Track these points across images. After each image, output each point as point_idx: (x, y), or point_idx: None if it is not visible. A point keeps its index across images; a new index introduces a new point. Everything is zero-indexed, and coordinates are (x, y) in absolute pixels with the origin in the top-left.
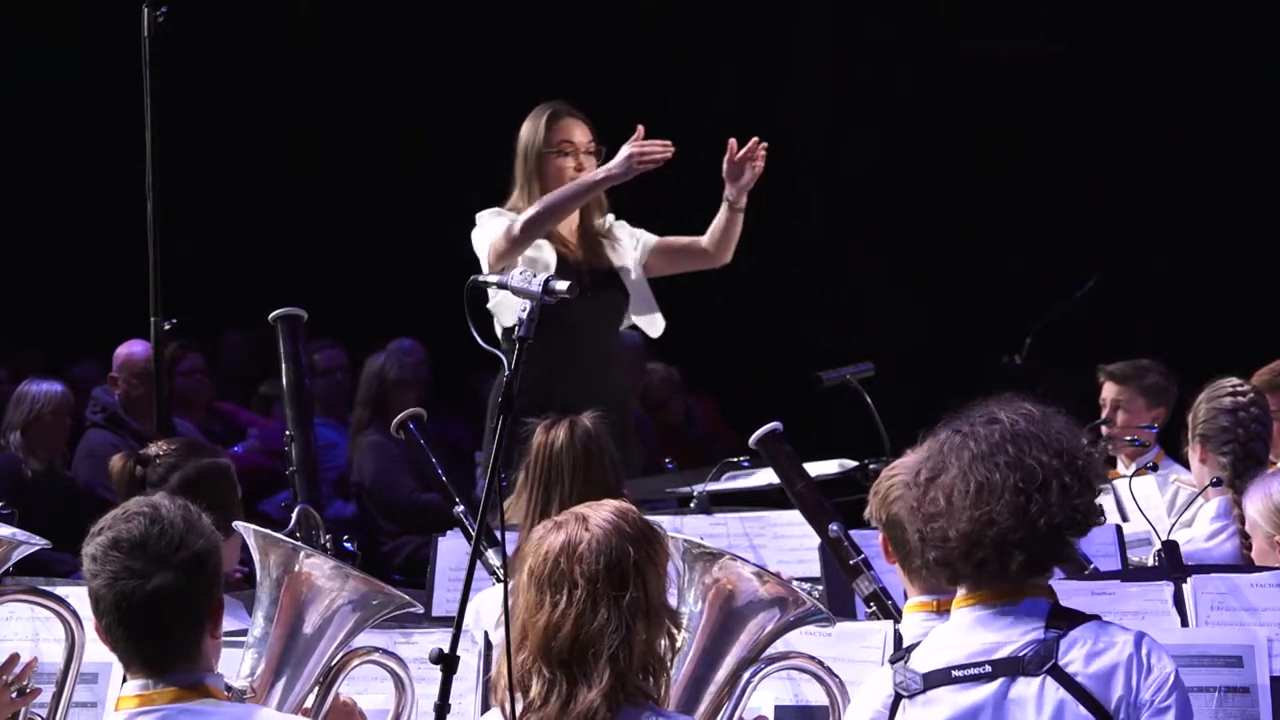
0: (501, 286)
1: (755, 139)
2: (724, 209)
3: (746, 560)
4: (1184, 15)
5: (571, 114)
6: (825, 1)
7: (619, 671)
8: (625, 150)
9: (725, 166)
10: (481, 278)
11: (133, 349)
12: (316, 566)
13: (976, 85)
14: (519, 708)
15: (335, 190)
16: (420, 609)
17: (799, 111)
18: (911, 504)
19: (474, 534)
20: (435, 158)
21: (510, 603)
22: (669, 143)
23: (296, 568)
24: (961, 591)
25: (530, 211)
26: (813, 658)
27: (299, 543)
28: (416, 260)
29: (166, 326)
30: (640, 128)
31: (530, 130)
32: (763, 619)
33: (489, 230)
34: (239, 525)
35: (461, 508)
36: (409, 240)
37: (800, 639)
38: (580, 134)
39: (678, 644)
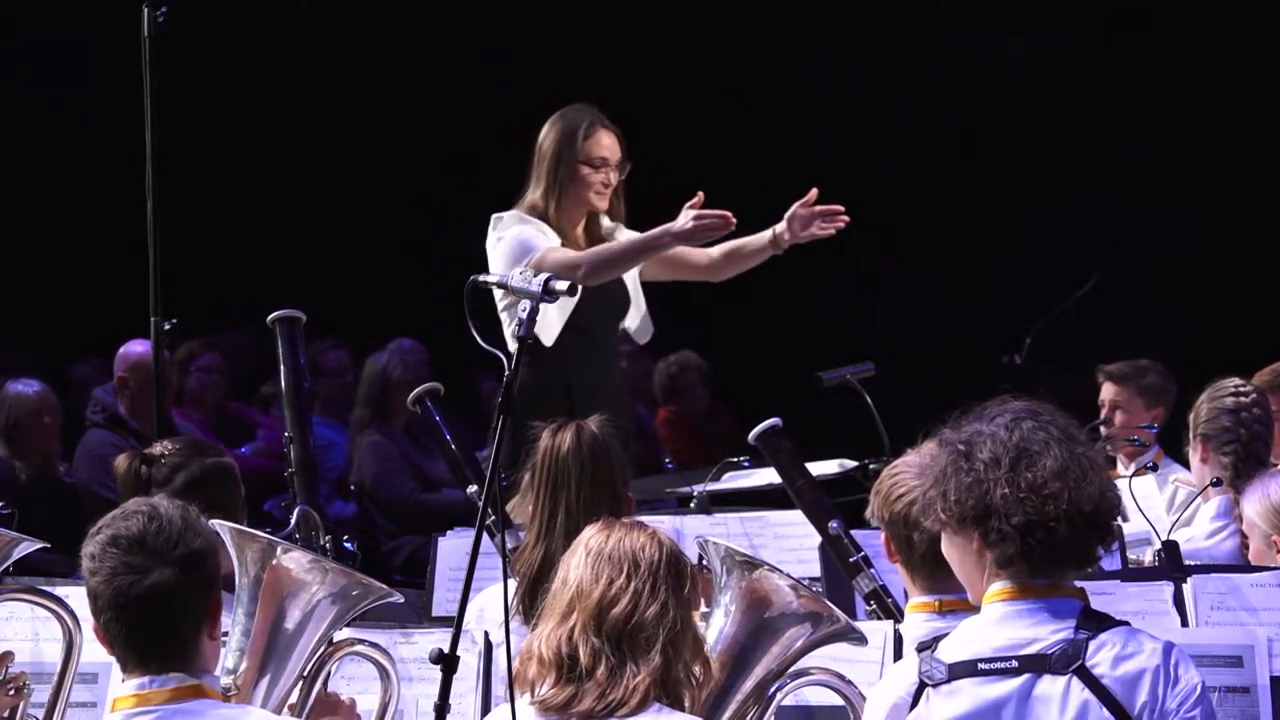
0: (502, 286)
1: (840, 208)
2: (763, 241)
3: (785, 573)
4: (1185, 14)
5: (606, 125)
6: (827, 1)
7: (668, 661)
8: (688, 214)
9: (794, 208)
10: (482, 278)
11: (145, 349)
12: (294, 560)
13: (978, 85)
14: (550, 680)
15: (336, 190)
16: (399, 599)
17: (801, 111)
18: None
19: (480, 523)
20: (436, 157)
21: (558, 579)
22: (730, 215)
23: (274, 562)
24: (995, 586)
25: (597, 260)
26: (833, 672)
27: (274, 537)
28: (417, 260)
29: (166, 326)
30: (700, 194)
31: (563, 136)
32: (795, 633)
33: (521, 239)
34: (215, 523)
35: (474, 488)
36: (410, 240)
37: None
38: (614, 148)
39: (709, 683)
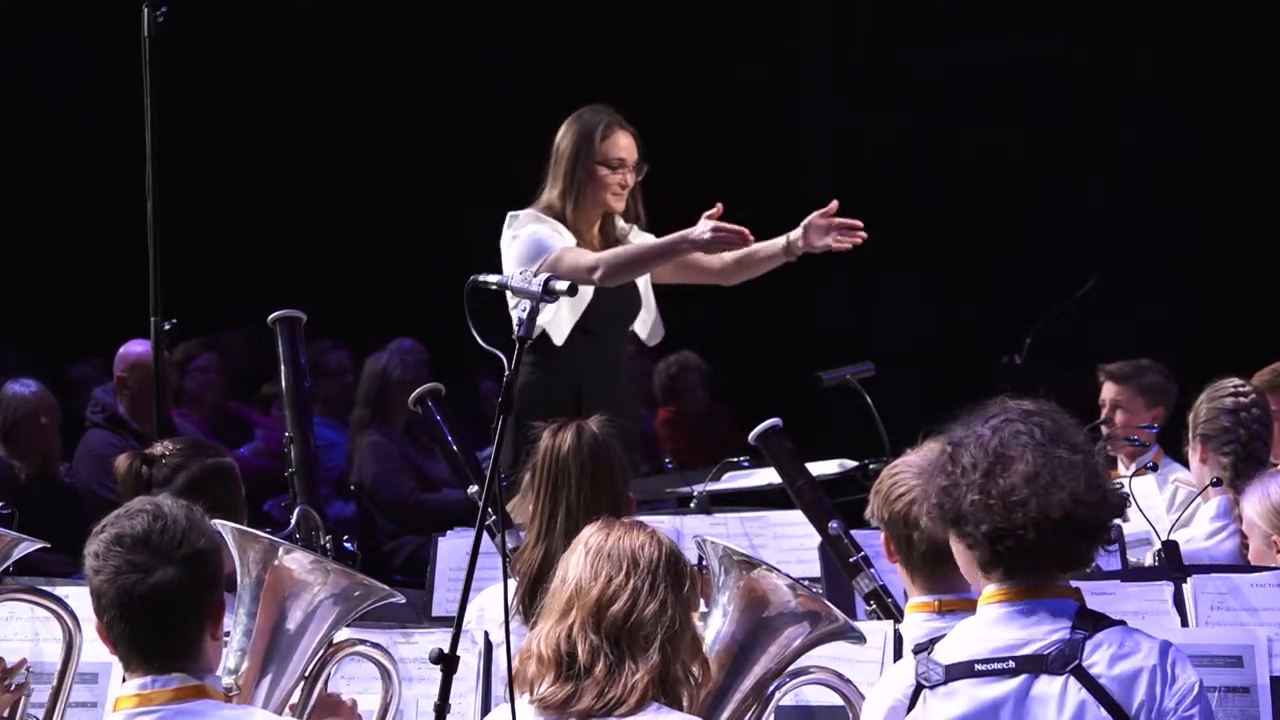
0: (502, 287)
1: (859, 223)
2: (776, 248)
3: (783, 572)
4: (1185, 15)
5: (624, 126)
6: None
7: (666, 660)
8: (707, 224)
9: (812, 217)
10: (482, 278)
11: (144, 349)
12: (296, 561)
13: (978, 85)
14: (549, 678)
15: (336, 190)
16: (401, 599)
17: (802, 111)
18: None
19: (480, 523)
20: (436, 157)
21: (558, 578)
22: (747, 231)
23: (276, 563)
24: (990, 587)
25: (615, 262)
26: (833, 671)
27: (275, 537)
28: (417, 260)
29: (166, 326)
30: (719, 205)
31: (581, 136)
32: (793, 632)
33: (536, 238)
34: (218, 523)
35: (475, 488)
36: (410, 240)
37: None
38: (632, 149)
39: (708, 683)
